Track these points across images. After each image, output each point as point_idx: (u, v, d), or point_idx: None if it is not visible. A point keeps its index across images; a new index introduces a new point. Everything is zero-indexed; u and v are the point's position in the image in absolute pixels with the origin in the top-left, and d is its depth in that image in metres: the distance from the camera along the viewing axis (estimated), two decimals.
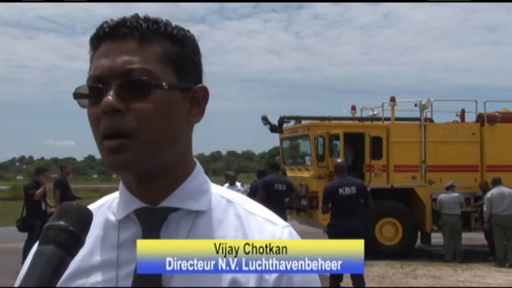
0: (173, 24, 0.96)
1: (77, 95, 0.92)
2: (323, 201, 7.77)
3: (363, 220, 7.61)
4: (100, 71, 0.90)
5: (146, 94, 0.88)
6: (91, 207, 1.01)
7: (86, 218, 0.83)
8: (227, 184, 12.47)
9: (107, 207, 1.00)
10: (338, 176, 7.70)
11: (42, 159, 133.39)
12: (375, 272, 10.04)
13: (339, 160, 8.58)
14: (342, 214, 7.30)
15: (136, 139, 0.88)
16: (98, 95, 0.89)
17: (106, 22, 0.93)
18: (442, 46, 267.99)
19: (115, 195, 1.01)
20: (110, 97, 0.87)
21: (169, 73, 0.92)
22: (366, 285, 7.98)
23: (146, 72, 0.89)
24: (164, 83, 0.90)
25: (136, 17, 0.93)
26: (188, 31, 0.98)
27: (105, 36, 0.92)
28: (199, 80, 0.99)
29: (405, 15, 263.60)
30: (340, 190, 7.42)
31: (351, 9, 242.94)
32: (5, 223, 16.35)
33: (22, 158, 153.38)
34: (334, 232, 7.45)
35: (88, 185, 45.07)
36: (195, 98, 0.97)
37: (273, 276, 0.90)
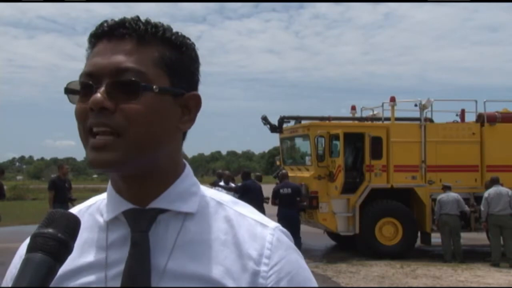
0: (173, 30, 0.96)
1: (68, 90, 0.93)
2: (272, 197, 11.55)
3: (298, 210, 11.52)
4: (92, 68, 0.90)
5: (135, 95, 0.88)
6: (78, 208, 1.02)
7: (74, 225, 0.83)
8: (222, 184, 12.54)
9: (95, 209, 1.00)
10: (281, 181, 11.63)
11: (42, 159, 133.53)
12: (375, 272, 10.05)
13: (284, 170, 12.13)
14: (282, 206, 11.16)
15: (122, 138, 0.88)
16: (88, 92, 0.89)
17: (106, 21, 0.94)
18: (443, 46, 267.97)
19: (103, 196, 1.01)
20: (99, 94, 0.87)
21: (162, 77, 0.92)
22: (366, 285, 8.15)
23: (138, 74, 0.89)
24: (154, 86, 0.90)
25: (136, 19, 0.94)
26: (189, 39, 0.98)
27: (103, 35, 0.93)
28: (194, 88, 0.99)
29: (406, 15, 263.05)
30: (281, 190, 11.26)
31: (352, 8, 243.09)
32: (5, 223, 16.37)
33: (22, 158, 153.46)
34: (278, 217, 10.82)
35: (88, 185, 45.03)
36: (187, 106, 0.96)
37: (272, 274, 0.91)
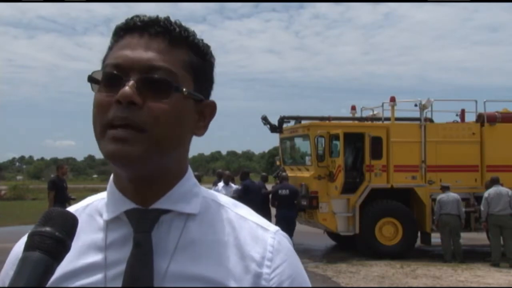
0: (198, 36, 0.97)
1: (92, 79, 0.91)
2: (271, 198, 11.93)
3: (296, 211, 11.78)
4: (122, 60, 0.89)
5: (166, 95, 0.88)
6: (74, 208, 1.00)
7: (71, 224, 0.82)
8: (222, 184, 12.48)
9: (93, 209, 0.98)
10: (280, 182, 11.92)
11: (42, 159, 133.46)
12: (375, 272, 10.05)
13: (284, 173, 12.24)
14: (281, 207, 11.50)
15: (145, 135, 0.87)
16: (113, 83, 0.88)
17: (138, 16, 0.94)
18: (442, 46, 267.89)
19: (101, 196, 1.00)
20: (128, 88, 0.86)
21: (189, 81, 0.93)
22: (366, 285, 8.18)
23: (170, 74, 0.90)
24: (184, 89, 0.91)
25: (168, 19, 0.94)
26: (210, 47, 0.99)
27: (135, 29, 0.92)
28: (208, 96, 1.00)
29: (406, 15, 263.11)
30: (280, 192, 11.56)
31: (352, 8, 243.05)
32: (5, 223, 16.37)
33: (22, 158, 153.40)
34: (277, 218, 11.26)
35: (88, 185, 45.06)
36: (203, 112, 0.98)
37: (274, 277, 0.91)
